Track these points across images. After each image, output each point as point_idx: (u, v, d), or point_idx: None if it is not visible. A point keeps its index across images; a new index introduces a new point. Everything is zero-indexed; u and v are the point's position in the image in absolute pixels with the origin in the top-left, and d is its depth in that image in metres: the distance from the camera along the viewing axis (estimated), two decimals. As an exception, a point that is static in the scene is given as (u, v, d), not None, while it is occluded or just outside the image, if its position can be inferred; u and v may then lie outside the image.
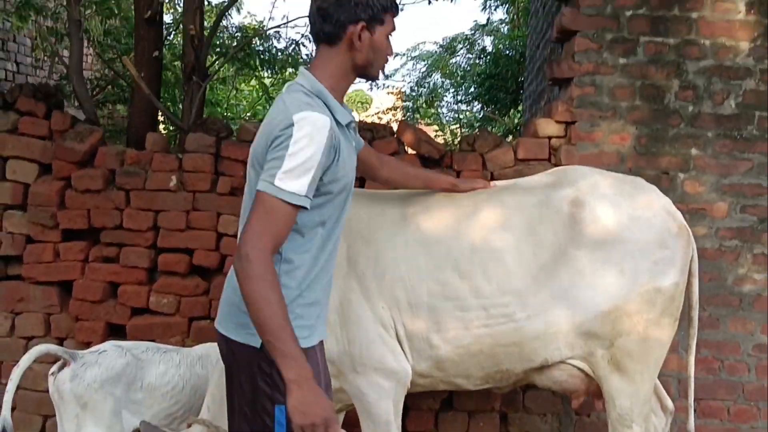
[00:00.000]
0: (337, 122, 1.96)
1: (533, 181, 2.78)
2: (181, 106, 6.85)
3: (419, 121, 12.51)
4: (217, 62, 5.26)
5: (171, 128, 6.74)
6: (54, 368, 2.63)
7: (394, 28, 2.05)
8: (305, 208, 1.87)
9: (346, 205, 2.06)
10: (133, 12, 6.87)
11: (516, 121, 8.65)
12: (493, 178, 3.48)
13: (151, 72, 4.30)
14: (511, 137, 8.50)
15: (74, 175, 3.60)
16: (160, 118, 5.34)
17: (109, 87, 7.27)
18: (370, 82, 1.93)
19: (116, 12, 6.60)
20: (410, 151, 3.72)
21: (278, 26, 5.57)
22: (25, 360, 2.54)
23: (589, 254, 2.57)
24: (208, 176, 3.68)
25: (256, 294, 1.77)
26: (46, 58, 8.39)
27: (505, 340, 2.54)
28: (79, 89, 4.10)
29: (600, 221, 2.59)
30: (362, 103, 26.38)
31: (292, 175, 1.82)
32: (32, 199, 3.61)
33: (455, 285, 2.54)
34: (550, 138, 3.56)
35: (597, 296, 2.56)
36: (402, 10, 4.81)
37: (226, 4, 5.40)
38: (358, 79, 2.11)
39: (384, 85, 11.69)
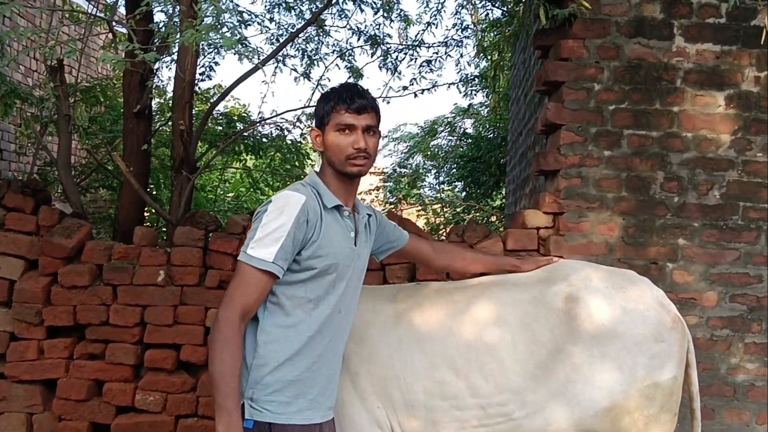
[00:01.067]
0: (325, 206, 2.15)
1: (525, 276, 2.78)
2: (166, 191, 6.88)
3: (401, 200, 12.64)
4: (207, 153, 5.31)
5: (158, 219, 6.73)
6: None
7: (344, 123, 2.17)
8: (275, 275, 2.03)
9: (338, 288, 2.16)
10: (117, 100, 6.96)
11: (498, 203, 8.74)
12: (483, 270, 3.49)
13: (139, 164, 4.33)
14: (494, 218, 8.58)
15: (61, 271, 3.56)
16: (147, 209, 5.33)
17: (94, 173, 7.27)
18: (352, 177, 2.19)
19: (102, 100, 6.67)
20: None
21: (265, 119, 5.63)
22: None
23: (585, 350, 2.55)
24: (196, 270, 3.65)
25: (213, 352, 1.97)
26: (29, 145, 8.42)
27: None
28: (66, 183, 4.10)
29: (594, 316, 2.58)
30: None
31: (262, 243, 2.01)
32: (17, 295, 3.55)
33: (451, 383, 2.50)
34: (538, 229, 3.59)
35: (595, 393, 2.53)
36: (388, 103, 4.95)
37: (215, 99, 5.47)
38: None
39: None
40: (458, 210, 9.86)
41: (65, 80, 4.14)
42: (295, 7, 5.39)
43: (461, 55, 5.78)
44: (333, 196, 2.18)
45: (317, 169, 2.30)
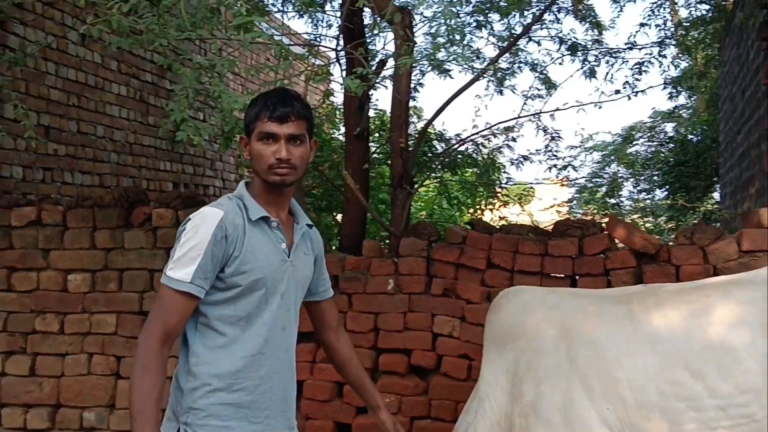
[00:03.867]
0: (250, 219, 2.03)
1: (759, 275, 2.67)
2: (382, 207, 7.27)
3: (588, 212, 12.28)
4: (421, 171, 5.57)
5: (376, 232, 7.11)
6: None
7: (264, 130, 2.05)
8: (195, 296, 1.95)
9: (272, 303, 2.05)
10: (321, 128, 7.47)
11: (709, 207, 8.28)
12: (715, 272, 3.39)
13: (361, 182, 4.65)
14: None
15: (303, 281, 3.91)
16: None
17: (314, 191, 7.82)
18: (276, 186, 2.06)
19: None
20: (622, 246, 3.71)
21: (478, 132, 5.79)
22: None
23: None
24: (421, 278, 3.87)
25: (133, 377, 1.89)
26: (247, 174, 9.22)
27: None
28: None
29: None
30: (520, 198, 26.24)
31: (180, 263, 1.94)
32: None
33: (687, 384, 2.45)
34: (774, 228, 3.43)
35: None
36: (600, 108, 4.94)
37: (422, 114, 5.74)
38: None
39: (557, 176, 11.68)
40: (661, 217, 9.44)
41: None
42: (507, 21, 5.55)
43: (664, 56, 5.58)
44: (259, 207, 2.07)
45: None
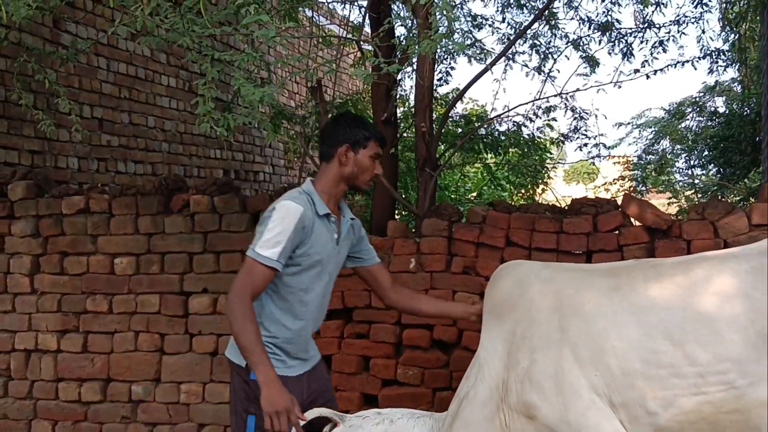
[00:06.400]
0: (317, 213, 2.64)
1: (745, 248, 2.73)
2: (412, 192, 7.41)
3: (649, 189, 12.11)
4: (446, 153, 5.70)
5: (405, 214, 7.28)
6: (326, 428, 3.02)
7: (377, 153, 2.75)
8: (277, 270, 2.54)
9: (322, 279, 2.72)
10: (367, 111, 7.65)
11: (754, 184, 8.14)
12: (725, 246, 3.44)
13: (389, 167, 4.80)
14: (753, 200, 8.02)
15: (330, 261, 4.12)
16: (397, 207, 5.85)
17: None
18: (359, 193, 3.06)
19: (354, 113, 7.37)
20: (636, 223, 3.79)
21: (499, 115, 5.89)
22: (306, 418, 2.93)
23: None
24: (442, 257, 4.02)
25: (237, 325, 2.48)
26: (295, 159, 9.48)
27: (726, 407, 2.49)
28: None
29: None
30: (588, 174, 25.90)
31: (268, 244, 2.52)
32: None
33: (667, 353, 2.54)
34: (786, 202, 3.46)
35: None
36: (620, 87, 4.97)
37: (452, 99, 5.85)
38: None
39: (609, 155, 11.58)
40: (712, 192, 9.29)
41: (324, 98, 4.74)
42: (527, 5, 5.57)
43: (703, 31, 5.52)
44: (323, 205, 2.67)
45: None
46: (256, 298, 2.57)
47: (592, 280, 2.73)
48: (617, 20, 5.39)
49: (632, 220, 3.81)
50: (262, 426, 2.55)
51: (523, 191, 9.39)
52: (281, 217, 2.55)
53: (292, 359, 2.73)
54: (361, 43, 4.79)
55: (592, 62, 5.47)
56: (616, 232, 3.77)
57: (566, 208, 4.03)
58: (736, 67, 9.06)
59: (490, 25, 5.51)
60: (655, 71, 4.84)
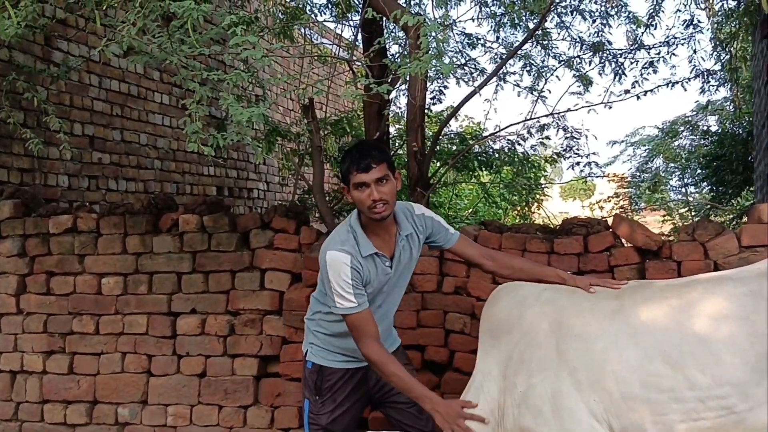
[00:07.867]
0: (362, 254, 2.72)
1: (743, 270, 2.71)
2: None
3: (644, 207, 12.12)
4: (439, 170, 5.68)
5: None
6: None
7: (361, 182, 2.67)
8: (366, 308, 2.71)
9: (377, 301, 2.86)
10: (362, 129, 7.63)
11: (746, 203, 8.14)
12: (716, 267, 3.42)
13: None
14: (745, 220, 8.01)
15: (319, 282, 4.09)
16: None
17: (344, 198, 8.01)
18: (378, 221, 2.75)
19: (348, 131, 7.36)
20: (627, 244, 3.77)
21: (491, 134, 5.88)
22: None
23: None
24: (434, 277, 4.00)
25: (388, 373, 2.66)
26: (290, 176, 9.46)
27: None
28: (321, 206, 4.66)
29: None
30: (585, 191, 25.96)
31: (343, 298, 2.69)
32: (287, 305, 4.13)
33: (667, 376, 2.51)
34: (776, 224, 3.44)
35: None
36: (610, 108, 4.96)
37: (445, 117, 5.84)
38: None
39: (603, 174, 11.59)
40: (702, 213, 9.29)
41: (316, 116, 4.72)
42: (520, 24, 5.57)
43: (694, 51, 5.52)
44: (369, 244, 2.75)
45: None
46: (378, 337, 2.72)
47: (596, 302, 2.70)
48: (608, 41, 5.39)
49: (623, 240, 3.78)
50: (312, 410, 2.98)
51: (518, 209, 9.38)
52: (336, 273, 2.69)
53: (339, 355, 2.98)
54: (354, 62, 4.77)
55: (585, 81, 5.46)
56: (607, 252, 3.75)
57: (557, 228, 4.00)
58: (728, 86, 9.09)
59: (482, 45, 5.50)
60: (645, 92, 4.84)
